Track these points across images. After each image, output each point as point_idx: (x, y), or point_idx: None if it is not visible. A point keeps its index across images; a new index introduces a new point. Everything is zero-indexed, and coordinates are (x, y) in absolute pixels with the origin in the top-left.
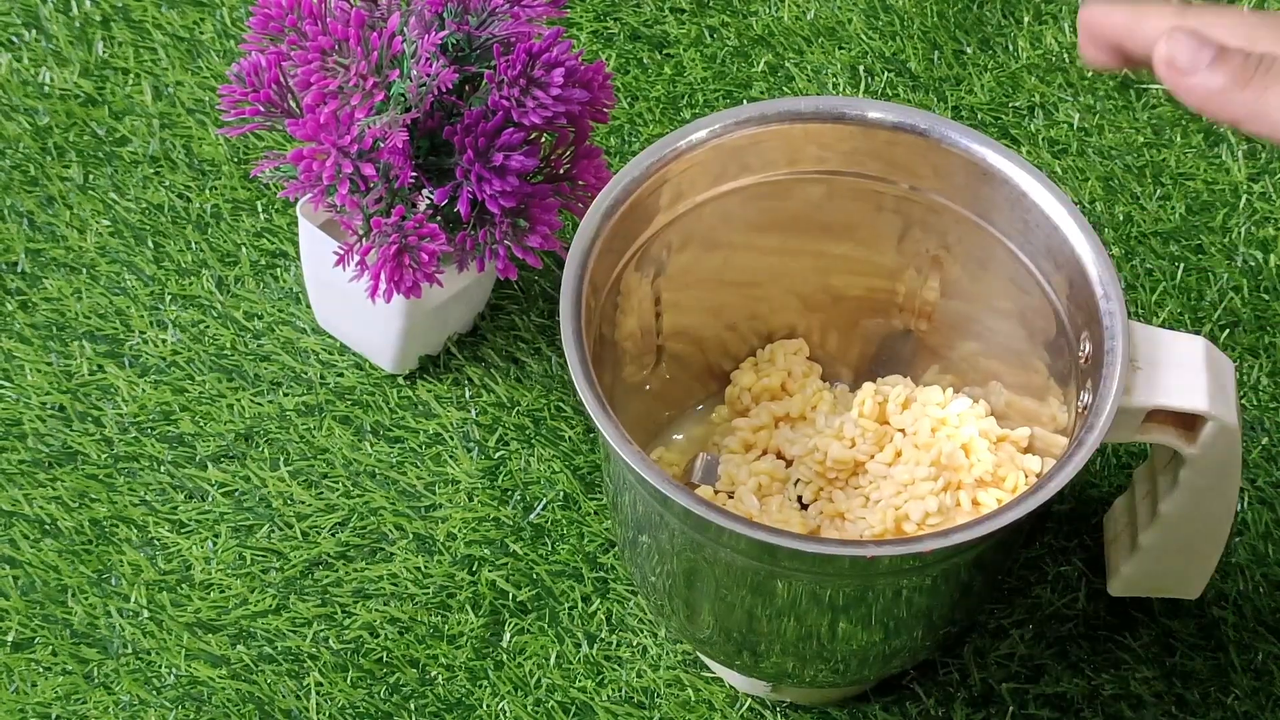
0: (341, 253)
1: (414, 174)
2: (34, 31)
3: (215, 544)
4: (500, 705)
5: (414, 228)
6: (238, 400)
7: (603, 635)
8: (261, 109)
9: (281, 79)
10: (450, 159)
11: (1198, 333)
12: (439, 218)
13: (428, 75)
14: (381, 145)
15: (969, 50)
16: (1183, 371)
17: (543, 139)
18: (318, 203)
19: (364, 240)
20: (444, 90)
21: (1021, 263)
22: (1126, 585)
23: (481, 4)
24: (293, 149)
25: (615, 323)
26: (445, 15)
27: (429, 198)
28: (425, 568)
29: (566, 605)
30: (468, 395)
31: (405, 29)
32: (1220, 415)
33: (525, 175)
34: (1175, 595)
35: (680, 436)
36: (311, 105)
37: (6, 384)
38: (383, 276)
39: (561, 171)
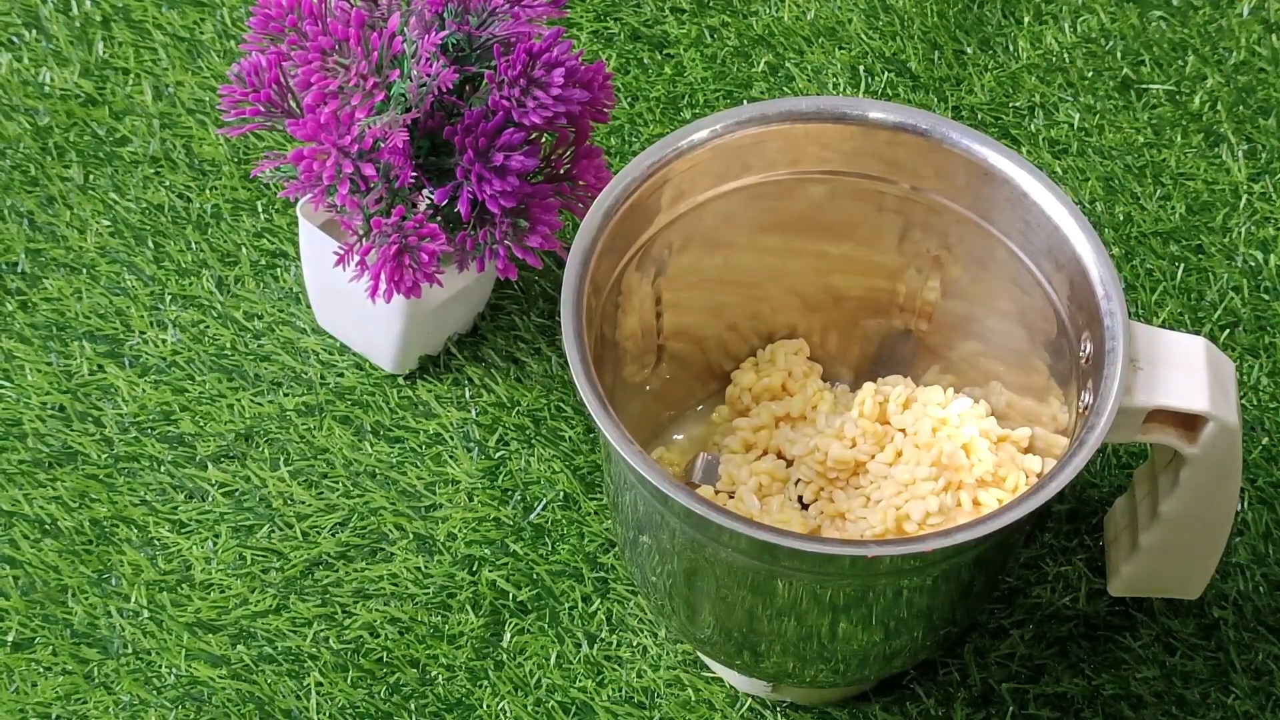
0: (342, 253)
1: (414, 174)
2: (34, 31)
3: (215, 544)
4: (500, 705)
5: (414, 228)
6: (238, 400)
7: (603, 635)
8: (262, 109)
9: (282, 79)
10: (450, 159)
11: (1198, 333)
12: (439, 218)
13: (428, 75)
14: (382, 145)
15: (969, 50)
16: (1184, 372)
17: (543, 139)
18: (318, 203)
19: (364, 240)
20: (444, 90)
21: (1022, 263)
22: (1127, 585)
23: (482, 4)
24: (293, 149)
25: (616, 323)
26: (445, 15)
27: (429, 198)
28: (425, 568)
29: (567, 605)
30: (468, 395)
31: (405, 29)
32: (1221, 415)
33: (525, 175)
34: (1176, 595)
35: (681, 436)
36: (312, 105)
37: (6, 384)
38: (383, 276)
39: (562, 171)
